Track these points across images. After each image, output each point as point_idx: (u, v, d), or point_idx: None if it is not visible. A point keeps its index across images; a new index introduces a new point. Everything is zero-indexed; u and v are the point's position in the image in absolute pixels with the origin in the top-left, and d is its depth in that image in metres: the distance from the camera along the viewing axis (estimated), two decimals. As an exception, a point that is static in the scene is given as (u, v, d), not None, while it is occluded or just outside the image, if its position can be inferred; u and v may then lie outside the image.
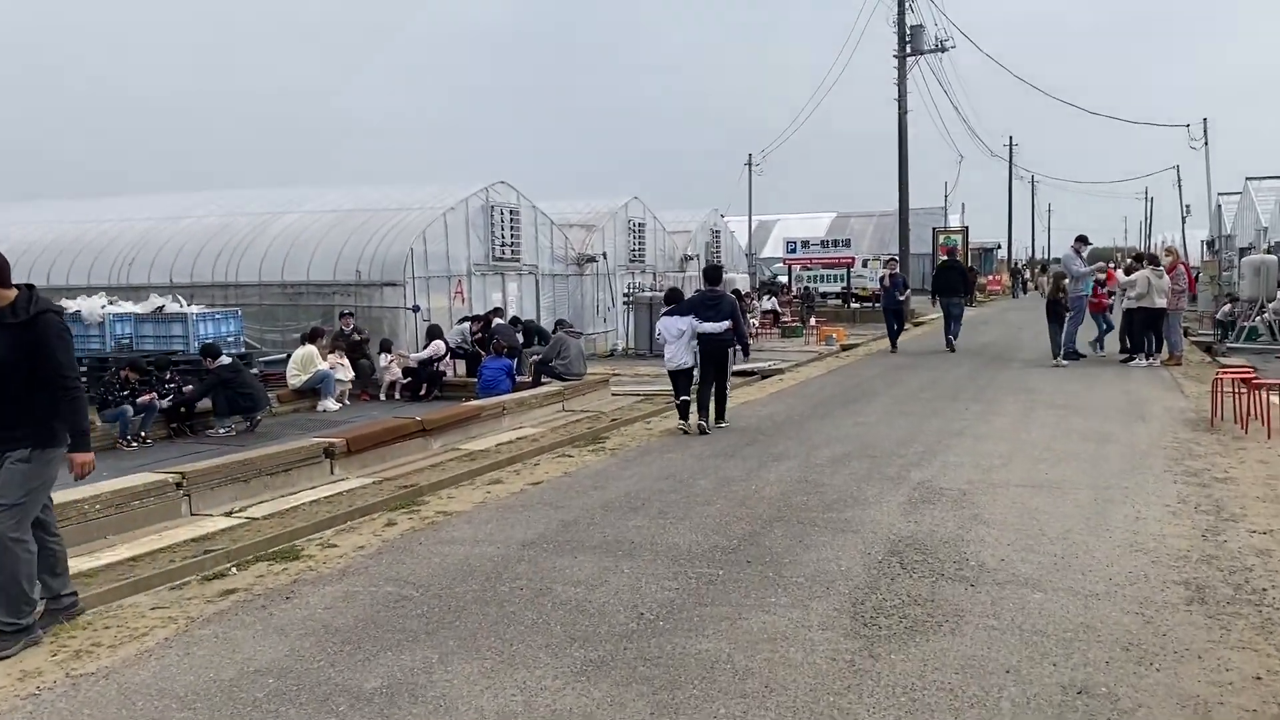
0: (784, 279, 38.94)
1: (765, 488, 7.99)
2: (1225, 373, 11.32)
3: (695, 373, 11.63)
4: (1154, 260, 17.78)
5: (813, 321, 28.66)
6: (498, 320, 17.37)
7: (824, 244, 40.74)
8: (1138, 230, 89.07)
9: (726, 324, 11.31)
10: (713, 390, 11.57)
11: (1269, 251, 23.30)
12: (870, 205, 56.08)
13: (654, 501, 7.60)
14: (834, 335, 24.41)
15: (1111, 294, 19.83)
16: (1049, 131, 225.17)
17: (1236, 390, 10.65)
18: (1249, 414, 10.20)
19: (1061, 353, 17.32)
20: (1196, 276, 29.18)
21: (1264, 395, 10.25)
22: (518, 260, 20.74)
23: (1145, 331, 16.98)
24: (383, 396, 16.04)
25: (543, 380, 14.90)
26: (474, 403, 12.54)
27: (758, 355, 20.02)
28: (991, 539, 6.33)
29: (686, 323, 11.39)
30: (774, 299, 31.42)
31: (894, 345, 20.97)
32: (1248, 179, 31.62)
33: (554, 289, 22.40)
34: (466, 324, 17.51)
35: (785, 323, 28.59)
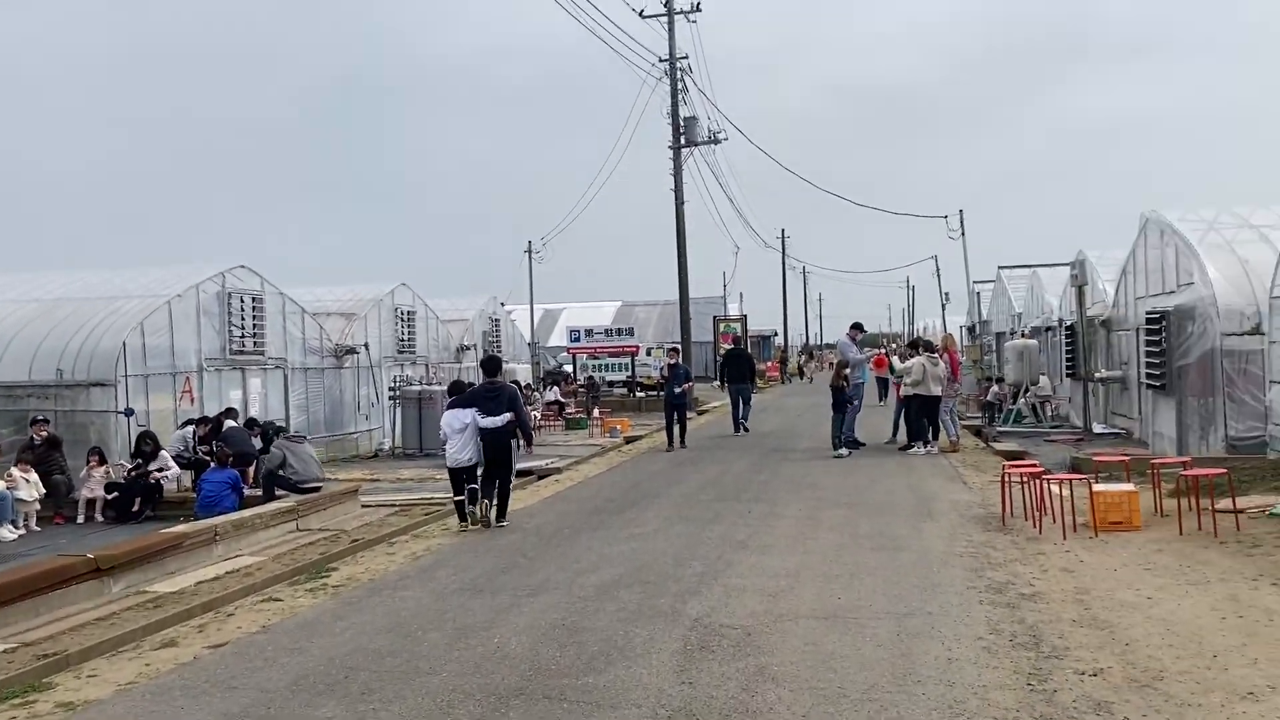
0: (569, 368, 37.88)
1: (512, 639, 6.40)
2: (1013, 466, 10.76)
3: (478, 470, 10.99)
4: (929, 347, 17.70)
5: (596, 412, 27.51)
6: (229, 423, 15.06)
7: (608, 332, 40.12)
8: (900, 317, 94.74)
9: (508, 416, 10.96)
10: (495, 487, 11.02)
11: (1026, 336, 24.18)
12: (654, 294, 56.47)
13: (363, 671, 5.85)
14: (618, 426, 23.37)
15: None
16: (821, 221, 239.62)
17: (1026, 483, 10.06)
18: (1041, 510, 9.57)
19: (842, 442, 16.80)
20: (961, 361, 30.24)
21: (1056, 489, 9.66)
22: (262, 353, 18.43)
23: (921, 419, 16.75)
24: (81, 518, 13.38)
25: (276, 494, 12.80)
26: (175, 529, 10.30)
27: (539, 450, 18.46)
28: (783, 706, 5.01)
29: (470, 415, 10.98)
30: (557, 389, 30.14)
31: (673, 441, 19.34)
32: (1000, 268, 33.34)
33: (307, 384, 20.09)
34: (190, 427, 15.07)
35: (569, 414, 27.30)
